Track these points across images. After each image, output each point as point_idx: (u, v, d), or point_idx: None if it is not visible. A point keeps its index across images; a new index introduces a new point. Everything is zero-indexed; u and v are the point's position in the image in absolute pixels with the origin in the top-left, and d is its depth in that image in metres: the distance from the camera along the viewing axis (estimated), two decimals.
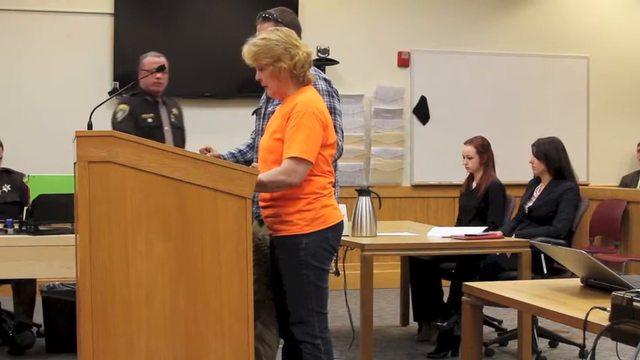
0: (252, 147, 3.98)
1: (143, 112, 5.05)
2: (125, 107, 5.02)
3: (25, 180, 5.40)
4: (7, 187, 5.58)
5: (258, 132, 3.86)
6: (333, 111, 3.64)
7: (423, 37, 8.06)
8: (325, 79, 3.81)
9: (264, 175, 3.13)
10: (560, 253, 3.10)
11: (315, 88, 3.46)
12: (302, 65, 3.25)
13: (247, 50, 3.27)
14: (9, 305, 5.39)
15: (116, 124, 4.93)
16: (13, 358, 5.03)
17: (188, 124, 5.49)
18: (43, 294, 5.10)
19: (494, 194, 5.43)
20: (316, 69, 3.79)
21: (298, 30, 3.87)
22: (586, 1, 8.55)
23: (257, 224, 3.56)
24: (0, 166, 5.73)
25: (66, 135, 3.67)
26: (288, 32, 3.31)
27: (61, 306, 5.03)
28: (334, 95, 3.79)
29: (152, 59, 5.20)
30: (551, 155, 5.29)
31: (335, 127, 3.48)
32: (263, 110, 3.87)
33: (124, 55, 7.20)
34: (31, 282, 5.10)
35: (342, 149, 3.78)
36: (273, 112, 3.48)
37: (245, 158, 3.99)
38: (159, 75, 5.05)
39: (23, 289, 5.10)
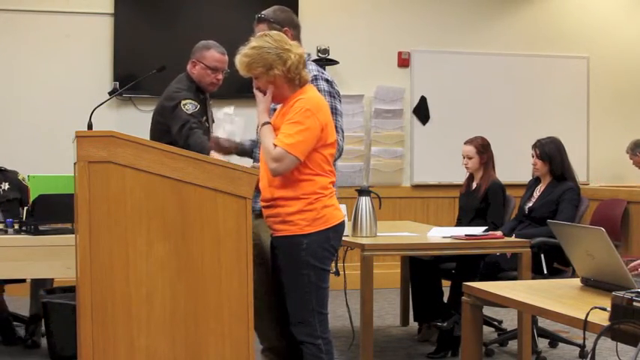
0: None
1: (202, 115, 4.55)
2: (195, 102, 4.47)
3: (20, 177, 5.39)
4: (5, 185, 5.47)
5: None
6: (334, 111, 3.64)
7: (423, 37, 8.06)
8: (327, 80, 3.80)
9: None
10: (574, 231, 3.06)
11: (317, 88, 3.46)
12: (296, 68, 3.24)
13: (239, 61, 3.26)
14: (15, 306, 5.41)
15: (185, 115, 4.36)
16: (12, 358, 5.03)
17: None
18: (43, 298, 4.90)
19: (494, 194, 5.43)
20: (319, 68, 3.78)
21: (294, 26, 3.84)
22: (586, 1, 8.54)
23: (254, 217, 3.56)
24: None
25: (66, 135, 3.67)
26: (278, 37, 3.28)
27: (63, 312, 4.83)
28: (336, 96, 3.78)
29: (215, 55, 4.52)
30: (554, 156, 5.28)
31: (336, 127, 3.49)
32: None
33: (124, 55, 7.21)
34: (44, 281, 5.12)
35: (343, 149, 3.78)
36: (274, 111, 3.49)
37: None
38: (220, 76, 4.56)
39: (36, 288, 5.12)
